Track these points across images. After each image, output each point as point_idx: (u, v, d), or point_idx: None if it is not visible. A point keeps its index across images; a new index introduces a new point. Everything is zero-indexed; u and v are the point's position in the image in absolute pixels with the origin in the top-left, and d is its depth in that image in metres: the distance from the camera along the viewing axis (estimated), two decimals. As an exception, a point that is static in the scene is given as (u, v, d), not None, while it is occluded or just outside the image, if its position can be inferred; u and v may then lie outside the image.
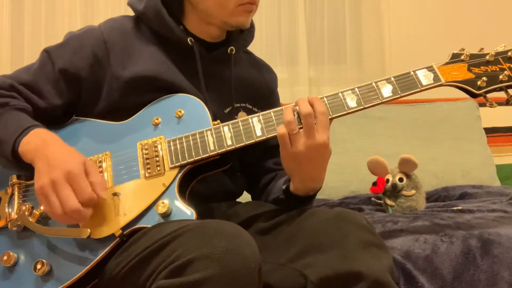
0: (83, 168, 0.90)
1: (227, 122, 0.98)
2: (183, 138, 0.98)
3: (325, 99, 0.98)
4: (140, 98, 1.05)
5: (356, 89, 0.98)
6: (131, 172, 0.97)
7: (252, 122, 0.98)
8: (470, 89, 0.99)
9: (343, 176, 1.81)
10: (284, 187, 1.04)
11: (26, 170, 1.00)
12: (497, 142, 2.12)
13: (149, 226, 0.88)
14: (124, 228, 0.91)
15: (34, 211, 0.95)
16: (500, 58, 1.01)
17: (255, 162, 1.21)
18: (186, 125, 1.01)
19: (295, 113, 0.94)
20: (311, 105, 0.93)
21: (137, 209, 0.92)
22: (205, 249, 0.73)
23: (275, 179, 1.16)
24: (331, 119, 0.96)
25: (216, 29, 1.13)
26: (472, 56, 1.02)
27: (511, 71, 0.99)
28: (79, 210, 0.86)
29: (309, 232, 0.89)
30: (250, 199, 1.26)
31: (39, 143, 0.94)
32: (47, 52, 1.10)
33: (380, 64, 2.32)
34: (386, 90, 0.98)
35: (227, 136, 0.97)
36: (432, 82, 0.99)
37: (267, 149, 1.19)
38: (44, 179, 0.88)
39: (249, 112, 1.16)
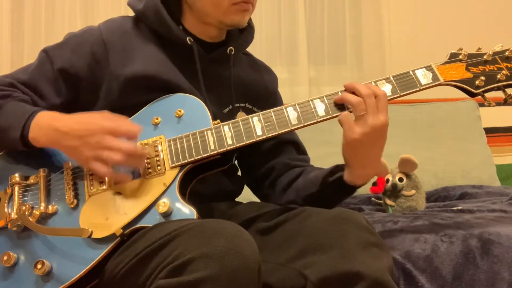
0: (107, 119, 0.93)
1: (227, 122, 0.98)
2: (183, 138, 0.98)
3: (325, 98, 0.98)
4: (139, 97, 1.06)
5: (356, 88, 0.98)
6: (132, 172, 0.97)
7: (253, 122, 0.98)
8: (468, 88, 1.00)
9: (343, 176, 1.81)
10: (330, 179, 1.04)
11: (26, 170, 1.00)
12: (497, 142, 2.12)
13: (150, 225, 0.88)
14: (124, 227, 0.90)
15: (34, 211, 0.95)
16: (497, 58, 1.01)
17: (264, 162, 1.20)
18: (186, 124, 1.01)
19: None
20: (369, 88, 0.95)
21: (137, 209, 0.92)
22: (205, 248, 0.73)
23: (304, 174, 1.15)
24: (333, 117, 0.97)
25: (214, 29, 1.13)
26: (470, 55, 1.02)
27: (509, 70, 1.00)
28: (135, 147, 0.91)
29: (309, 232, 0.89)
30: (250, 199, 1.26)
31: (50, 123, 0.96)
32: (46, 52, 1.10)
33: (380, 64, 2.32)
34: (386, 90, 0.98)
35: (227, 135, 0.97)
36: (431, 81, 1.00)
37: (277, 145, 1.19)
38: (88, 148, 0.91)
39: (249, 112, 1.16)
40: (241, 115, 1.13)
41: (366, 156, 0.97)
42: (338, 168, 1.05)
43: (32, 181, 1.00)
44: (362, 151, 0.97)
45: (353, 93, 0.96)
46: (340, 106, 0.98)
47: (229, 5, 1.06)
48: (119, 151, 0.90)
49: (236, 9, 1.07)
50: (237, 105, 1.16)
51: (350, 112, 0.96)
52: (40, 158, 1.02)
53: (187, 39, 1.09)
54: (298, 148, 1.23)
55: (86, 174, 0.98)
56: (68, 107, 1.10)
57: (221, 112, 1.13)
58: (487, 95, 1.01)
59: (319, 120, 0.97)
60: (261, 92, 1.22)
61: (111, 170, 0.92)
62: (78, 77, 1.07)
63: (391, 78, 0.99)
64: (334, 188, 1.04)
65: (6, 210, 0.97)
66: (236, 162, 1.25)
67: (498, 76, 0.99)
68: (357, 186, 1.03)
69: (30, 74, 1.08)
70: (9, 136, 0.98)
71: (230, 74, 1.14)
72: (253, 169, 1.22)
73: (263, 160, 1.21)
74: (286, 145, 1.20)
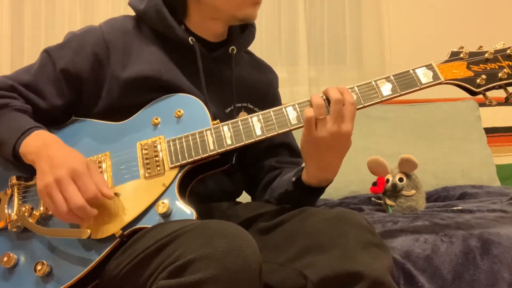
0: (86, 167, 0.90)
1: (227, 122, 0.98)
2: (183, 138, 0.98)
3: (324, 98, 0.98)
4: (140, 98, 1.05)
5: (356, 87, 0.98)
6: (131, 172, 0.97)
7: (252, 122, 0.97)
8: (469, 87, 0.99)
9: (343, 176, 1.80)
10: (294, 178, 1.03)
11: (26, 171, 1.00)
12: (497, 142, 2.12)
13: (150, 226, 0.88)
14: (124, 228, 0.90)
15: (34, 212, 0.95)
16: (499, 56, 1.01)
17: (257, 161, 1.21)
18: (185, 125, 1.01)
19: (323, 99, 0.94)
20: (341, 94, 0.94)
21: (137, 209, 0.92)
22: (206, 249, 0.73)
23: (280, 175, 1.15)
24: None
25: (221, 25, 1.13)
26: (471, 54, 1.01)
27: (510, 69, 0.99)
28: (84, 206, 0.87)
29: (309, 232, 0.89)
30: (250, 199, 1.26)
31: (40, 144, 0.94)
32: (47, 53, 1.10)
33: (380, 64, 2.32)
34: (386, 89, 0.98)
35: (226, 135, 0.97)
36: (432, 80, 0.99)
37: (270, 147, 1.19)
38: (48, 178, 0.88)
39: (251, 112, 1.16)
40: (243, 115, 1.13)
41: (320, 158, 0.96)
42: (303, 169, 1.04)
43: (32, 182, 1.00)
44: (316, 152, 0.95)
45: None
46: None
47: None
48: (65, 202, 0.87)
49: (249, 2, 1.08)
50: (238, 105, 1.16)
51: None
52: (40, 158, 1.02)
53: (189, 39, 1.09)
54: (292, 151, 1.23)
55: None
56: (70, 107, 1.10)
57: (223, 112, 1.13)
58: (488, 93, 1.01)
59: (318, 120, 0.97)
60: (263, 91, 1.22)
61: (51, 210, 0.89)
62: (80, 77, 1.07)
63: (391, 77, 0.99)
64: (296, 188, 1.04)
65: (6, 211, 0.97)
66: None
67: (500, 75, 0.99)
68: (312, 187, 1.01)
69: (32, 75, 1.08)
70: (1, 150, 0.99)
71: (232, 74, 1.14)
72: (246, 170, 1.23)
73: (255, 161, 1.21)
74: (278, 147, 1.20)
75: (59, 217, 0.89)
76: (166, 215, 0.90)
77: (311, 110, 0.93)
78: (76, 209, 0.86)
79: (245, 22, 1.13)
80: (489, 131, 2.07)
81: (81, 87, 1.08)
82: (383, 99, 0.98)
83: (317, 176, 0.99)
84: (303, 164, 1.03)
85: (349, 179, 1.81)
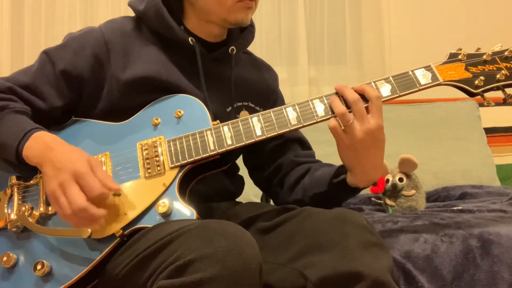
0: (89, 166, 0.89)
1: (227, 122, 0.99)
2: (183, 138, 0.98)
3: (324, 98, 0.98)
4: (140, 98, 1.05)
5: (356, 89, 0.98)
6: (131, 173, 0.97)
7: (252, 122, 0.98)
8: (467, 88, 1.00)
9: (343, 176, 1.81)
10: (335, 181, 1.04)
11: (26, 171, 1.00)
12: (497, 142, 2.12)
13: (150, 226, 0.89)
14: (124, 228, 0.91)
15: (34, 211, 0.95)
16: (497, 58, 1.01)
17: (272, 160, 1.20)
18: (185, 125, 1.01)
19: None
20: (362, 92, 0.95)
21: (137, 209, 0.92)
22: (206, 249, 0.73)
23: (309, 173, 1.15)
24: (332, 117, 0.96)
25: (216, 27, 1.12)
26: (469, 55, 1.02)
27: (508, 70, 1.00)
28: (86, 207, 0.85)
29: (309, 232, 0.89)
30: (250, 199, 1.26)
31: (42, 147, 0.94)
32: (47, 54, 1.09)
33: (380, 64, 2.32)
34: (385, 90, 0.98)
35: (227, 136, 0.97)
36: (430, 81, 1.00)
37: (282, 144, 1.19)
38: (54, 182, 0.88)
39: (252, 110, 1.16)
40: (244, 114, 1.13)
41: (364, 161, 0.97)
42: (343, 169, 1.05)
43: (32, 182, 1.00)
44: (358, 157, 0.96)
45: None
46: None
47: (233, 2, 1.06)
48: (68, 205, 0.86)
49: (240, 6, 1.07)
50: (239, 104, 1.16)
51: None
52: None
53: (189, 39, 1.09)
54: (303, 144, 1.24)
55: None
56: (70, 108, 1.10)
57: (224, 111, 1.13)
58: (486, 95, 1.01)
59: (318, 120, 0.97)
60: (262, 91, 1.22)
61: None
62: (81, 78, 1.07)
63: (391, 78, 0.99)
64: (338, 189, 1.04)
65: (6, 211, 0.97)
66: (243, 162, 1.26)
67: (498, 76, 0.99)
68: (360, 188, 1.03)
69: (31, 76, 1.08)
70: (4, 152, 0.99)
71: (231, 74, 1.14)
72: (261, 169, 1.22)
73: (270, 159, 1.20)
74: (291, 142, 1.21)
75: (67, 221, 0.88)
76: (166, 215, 0.90)
77: (333, 120, 0.94)
78: (78, 210, 0.85)
79: (237, 26, 1.12)
80: (489, 131, 2.07)
81: (81, 88, 1.08)
82: (382, 99, 0.98)
83: (366, 179, 1.00)
84: (339, 165, 1.04)
85: (349, 179, 1.81)
